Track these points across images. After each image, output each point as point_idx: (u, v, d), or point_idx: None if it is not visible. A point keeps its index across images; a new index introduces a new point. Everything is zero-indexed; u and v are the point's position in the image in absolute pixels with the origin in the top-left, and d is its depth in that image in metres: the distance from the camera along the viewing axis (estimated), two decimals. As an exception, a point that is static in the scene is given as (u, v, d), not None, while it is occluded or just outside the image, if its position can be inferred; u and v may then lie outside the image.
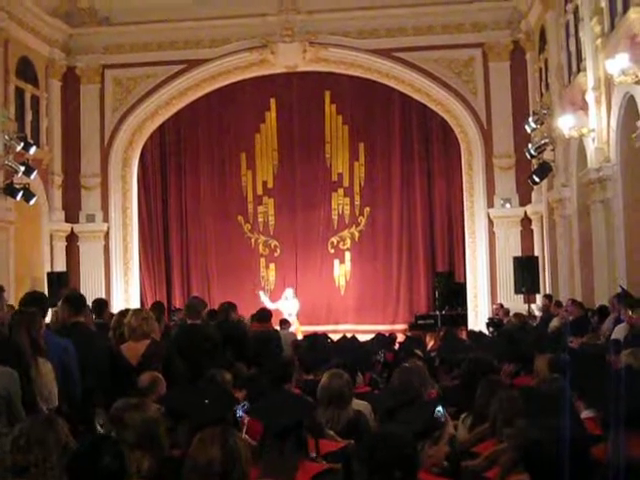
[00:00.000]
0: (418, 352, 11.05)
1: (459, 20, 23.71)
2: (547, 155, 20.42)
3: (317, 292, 26.00)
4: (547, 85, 21.31)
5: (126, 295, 24.62)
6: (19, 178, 21.02)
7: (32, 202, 21.50)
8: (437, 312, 23.90)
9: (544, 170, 20.43)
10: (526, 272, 21.41)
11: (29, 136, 21.99)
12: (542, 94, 21.94)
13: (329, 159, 26.70)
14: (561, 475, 3.85)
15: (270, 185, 26.87)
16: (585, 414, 5.88)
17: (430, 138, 26.21)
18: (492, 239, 23.66)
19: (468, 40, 23.75)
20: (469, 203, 24.18)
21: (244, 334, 11.32)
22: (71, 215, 24.50)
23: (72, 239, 24.55)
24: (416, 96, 24.70)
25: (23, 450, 4.30)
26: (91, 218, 24.59)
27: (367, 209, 26.57)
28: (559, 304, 17.32)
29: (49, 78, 24.03)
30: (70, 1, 24.32)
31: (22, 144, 20.88)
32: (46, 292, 19.49)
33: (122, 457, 4.18)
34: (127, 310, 8.93)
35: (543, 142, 20.38)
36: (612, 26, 15.80)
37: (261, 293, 24.41)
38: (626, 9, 14.59)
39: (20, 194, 20.85)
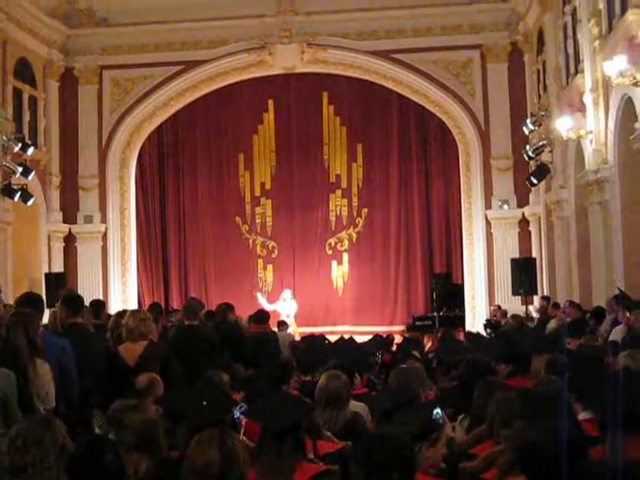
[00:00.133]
0: (416, 353, 11.05)
1: (457, 22, 23.72)
2: (545, 157, 20.42)
3: (315, 293, 26.00)
4: (545, 87, 21.32)
5: (124, 296, 24.62)
6: (17, 179, 20.99)
7: (30, 203, 21.48)
8: (435, 313, 23.96)
9: (542, 172, 20.43)
10: (524, 274, 21.42)
11: (27, 137, 21.95)
12: (540, 96, 21.95)
13: (327, 160, 26.71)
14: (559, 477, 3.85)
15: (268, 186, 26.88)
16: (583, 416, 5.88)
17: (428, 139, 26.22)
18: (490, 240, 23.67)
19: (466, 42, 23.77)
20: (467, 204, 24.18)
21: (242, 335, 11.32)
22: (69, 216, 24.49)
23: (70, 240, 24.53)
24: (414, 97, 24.71)
25: (20, 451, 4.29)
26: (89, 219, 24.58)
27: (365, 210, 26.58)
28: (557, 306, 17.32)
29: (47, 79, 24.02)
30: (68, 2, 24.30)
31: (20, 145, 20.84)
32: (44, 293, 19.55)
33: (121, 457, 4.19)
34: (125, 311, 8.93)
35: (541, 144, 20.38)
36: (610, 28, 15.80)
37: (259, 294, 24.41)
38: (624, 11, 14.59)
39: (18, 195, 20.82)
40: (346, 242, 26.69)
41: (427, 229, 26.37)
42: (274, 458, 4.73)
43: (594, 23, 16.54)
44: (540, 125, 20.64)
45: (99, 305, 11.40)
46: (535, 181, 20.88)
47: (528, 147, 20.96)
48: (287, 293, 24.15)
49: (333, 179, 26.66)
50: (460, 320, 23.54)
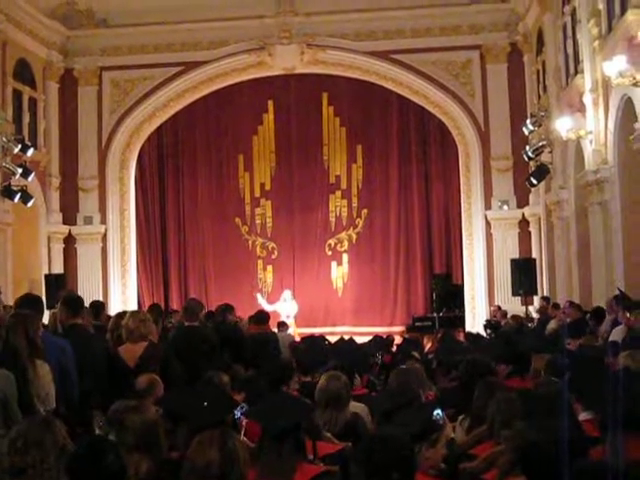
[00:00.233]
0: (415, 354, 11.05)
1: (457, 22, 23.72)
2: (545, 157, 20.42)
3: (314, 294, 25.99)
4: (545, 87, 21.31)
5: (123, 297, 24.62)
6: (17, 180, 20.99)
7: (30, 204, 21.48)
8: (434, 314, 23.94)
9: (542, 172, 20.43)
10: (524, 274, 21.41)
11: (27, 138, 21.95)
12: (540, 96, 21.95)
13: (327, 161, 26.71)
14: (559, 477, 3.85)
15: (268, 187, 26.88)
16: (583, 416, 5.89)
17: (428, 140, 26.22)
18: (490, 241, 23.67)
19: (466, 42, 23.77)
20: (466, 205, 24.18)
21: (242, 336, 11.33)
22: (69, 217, 24.48)
23: (70, 241, 24.53)
24: (414, 98, 24.71)
25: (20, 452, 4.29)
26: (89, 220, 24.58)
27: (365, 211, 26.58)
28: (557, 306, 17.31)
29: (47, 80, 24.02)
30: (68, 3, 24.27)
31: (20, 146, 20.83)
32: (44, 294, 19.55)
33: (122, 458, 4.19)
34: (125, 312, 8.93)
35: (541, 144, 20.37)
36: (610, 28, 15.80)
37: (258, 295, 24.42)
38: (624, 11, 14.59)
39: (18, 196, 20.82)
40: (346, 243, 26.69)
41: (427, 230, 26.36)
42: (274, 459, 4.73)
43: (594, 23, 16.54)
44: (540, 125, 20.63)
45: (99, 306, 11.41)
46: (535, 182, 20.87)
47: (528, 148, 20.96)
48: (287, 294, 24.17)
49: (333, 180, 26.66)
50: (460, 321, 23.53)
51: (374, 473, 4.15)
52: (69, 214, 24.51)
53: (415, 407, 5.48)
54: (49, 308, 12.31)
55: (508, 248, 23.33)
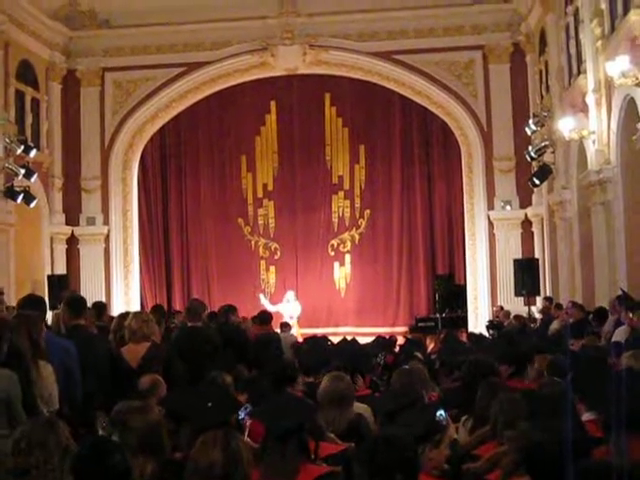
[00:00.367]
0: (418, 354, 11.04)
1: (459, 23, 23.73)
2: (547, 157, 20.42)
3: (317, 294, 25.99)
4: (547, 87, 21.32)
5: (126, 298, 24.63)
6: (19, 181, 21.03)
7: (32, 205, 21.51)
8: (437, 314, 23.92)
9: (544, 172, 20.43)
10: (526, 274, 21.37)
11: (29, 139, 22.00)
12: (542, 96, 21.95)
13: (329, 161, 26.71)
14: (563, 477, 3.85)
15: (270, 188, 26.88)
16: (586, 416, 5.88)
17: (430, 141, 26.22)
18: (492, 241, 23.67)
19: (468, 42, 23.78)
20: (469, 205, 24.18)
21: (244, 337, 11.33)
22: (71, 218, 24.51)
23: (72, 242, 24.55)
24: (416, 99, 24.72)
25: (24, 453, 4.29)
26: (91, 221, 24.61)
27: (367, 211, 26.58)
28: (559, 306, 17.31)
29: (49, 81, 24.05)
30: (70, 4, 24.30)
31: (22, 147, 20.88)
32: (46, 295, 19.54)
33: (127, 459, 4.19)
34: (127, 313, 8.94)
35: (543, 144, 20.38)
36: (612, 28, 15.80)
37: (261, 296, 24.43)
38: (626, 11, 14.59)
39: (20, 197, 20.85)
40: (348, 243, 26.69)
41: (429, 230, 26.36)
42: (278, 459, 4.72)
43: (596, 23, 16.54)
44: (542, 126, 20.64)
45: (101, 307, 11.40)
46: (537, 182, 20.87)
47: (530, 148, 20.96)
48: (290, 294, 24.18)
49: (335, 180, 26.66)
50: (463, 321, 23.52)
51: (377, 474, 4.15)
52: (72, 215, 24.53)
53: (418, 408, 5.47)
54: (52, 309, 12.32)
55: (511, 248, 23.33)
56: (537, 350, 8.75)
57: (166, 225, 27.16)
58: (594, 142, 16.87)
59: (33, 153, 21.52)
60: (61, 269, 23.86)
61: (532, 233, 23.33)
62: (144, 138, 25.58)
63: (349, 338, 13.41)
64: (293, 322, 21.85)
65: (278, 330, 15.43)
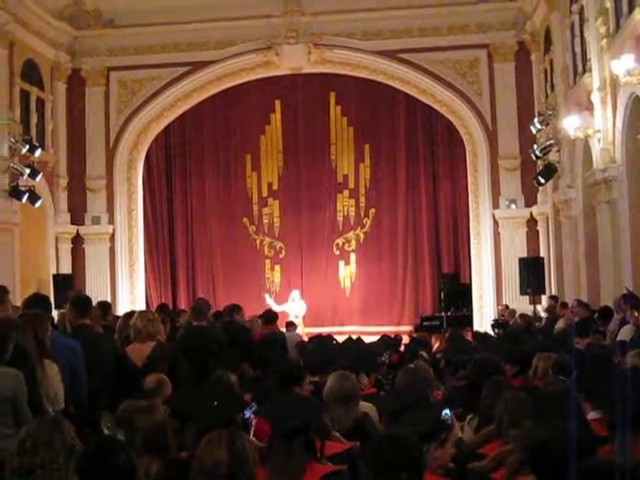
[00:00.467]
0: (423, 353, 11.05)
1: (464, 21, 23.69)
2: (552, 156, 20.40)
3: (322, 294, 25.99)
4: (552, 86, 21.29)
5: (131, 297, 24.65)
6: (24, 180, 21.05)
7: (37, 204, 21.54)
8: (442, 313, 23.95)
9: (549, 171, 20.41)
10: (531, 273, 21.37)
11: (34, 139, 22.01)
12: (547, 95, 21.93)
13: (334, 161, 26.71)
14: (568, 476, 3.85)
15: (275, 187, 26.89)
16: (592, 415, 5.88)
17: (435, 139, 26.22)
18: (497, 240, 23.64)
19: (473, 41, 23.75)
20: (474, 204, 24.15)
21: (249, 336, 11.33)
22: (76, 217, 24.52)
23: (78, 241, 24.57)
24: (421, 97, 24.69)
25: (29, 452, 4.29)
26: (96, 220, 24.62)
27: (372, 210, 26.57)
28: (565, 305, 17.28)
29: (54, 80, 24.06)
30: (75, 4, 24.32)
31: (27, 146, 20.90)
32: (52, 294, 19.58)
33: (132, 458, 4.19)
34: (133, 312, 8.95)
35: (548, 143, 20.36)
36: (617, 27, 15.80)
37: (267, 296, 24.42)
38: (631, 9, 14.60)
39: (25, 196, 20.88)
40: (353, 242, 26.69)
41: (434, 229, 26.35)
42: (284, 458, 4.72)
43: (601, 22, 16.53)
44: (547, 124, 20.61)
45: (106, 306, 11.42)
46: (543, 180, 20.85)
47: (536, 146, 20.94)
48: (296, 294, 24.20)
49: (340, 179, 26.66)
50: (468, 320, 23.52)
51: (383, 473, 4.15)
52: (77, 214, 24.55)
53: (424, 407, 5.47)
54: (57, 308, 12.33)
55: (516, 247, 23.30)
56: (542, 349, 8.75)
57: (171, 224, 27.18)
58: (599, 141, 16.85)
59: (38, 153, 21.54)
60: (66, 268, 23.88)
61: (537, 232, 23.30)
62: (149, 137, 25.59)
63: (354, 337, 13.43)
64: (298, 321, 21.83)
65: (283, 329, 15.43)
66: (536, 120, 20.96)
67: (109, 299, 20.30)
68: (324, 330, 20.71)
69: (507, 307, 21.91)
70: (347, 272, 26.67)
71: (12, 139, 20.66)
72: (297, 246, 26.76)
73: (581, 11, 18.36)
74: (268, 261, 26.89)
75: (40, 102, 23.39)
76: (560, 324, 15.81)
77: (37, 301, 7.99)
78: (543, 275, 21.51)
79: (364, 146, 26.52)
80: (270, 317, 13.34)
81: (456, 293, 24.31)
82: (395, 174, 26.41)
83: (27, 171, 20.87)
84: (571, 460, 3.85)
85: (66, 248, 24.27)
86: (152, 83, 24.83)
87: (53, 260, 23.71)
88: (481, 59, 23.88)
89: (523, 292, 21.79)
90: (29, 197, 21.00)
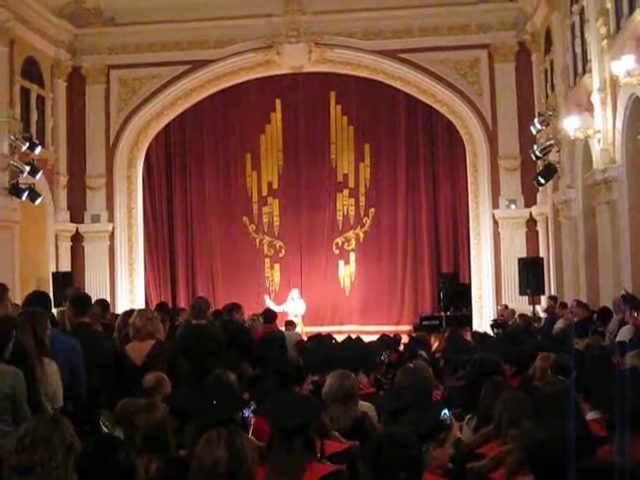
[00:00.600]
0: (423, 353, 11.05)
1: (465, 21, 23.70)
2: (552, 156, 20.40)
3: (322, 293, 25.99)
4: (553, 86, 21.29)
5: (131, 295, 24.65)
6: (24, 178, 21.05)
7: (37, 202, 21.54)
8: (442, 313, 23.94)
9: (549, 171, 20.42)
10: (531, 273, 21.37)
11: (34, 136, 21.99)
12: (548, 95, 21.93)
13: (334, 160, 26.71)
14: (567, 476, 3.85)
15: (275, 186, 26.88)
16: (590, 415, 5.88)
17: (435, 139, 26.21)
18: (497, 240, 23.64)
19: (474, 41, 23.75)
20: (474, 204, 24.15)
21: (249, 334, 11.34)
22: (76, 215, 24.52)
23: (77, 239, 24.56)
24: (422, 97, 24.69)
25: (28, 450, 4.29)
26: (96, 218, 24.60)
27: (372, 210, 26.57)
28: (564, 305, 17.29)
29: (55, 78, 24.05)
30: (76, 2, 24.29)
31: (27, 144, 20.90)
32: (51, 292, 19.55)
33: (132, 456, 4.19)
34: (132, 310, 8.95)
35: (548, 143, 20.37)
36: (618, 27, 15.80)
37: (267, 297, 24.40)
38: (632, 10, 14.60)
39: (25, 194, 20.88)
40: (353, 242, 26.69)
41: (434, 229, 26.35)
42: (283, 458, 4.73)
43: (602, 22, 16.53)
44: (548, 125, 20.62)
45: (104, 304, 11.42)
46: (543, 181, 20.86)
47: (536, 147, 20.94)
48: (295, 293, 24.22)
49: (340, 179, 26.66)
50: (467, 320, 23.53)
51: (382, 472, 4.16)
52: (76, 212, 24.54)
53: (423, 407, 5.47)
54: (56, 306, 12.32)
55: (515, 247, 23.30)
56: (541, 349, 8.76)
57: (171, 223, 27.17)
58: (599, 141, 16.85)
59: (38, 150, 21.53)
60: (66, 266, 23.87)
61: (537, 232, 23.31)
62: (149, 136, 25.58)
63: (354, 336, 13.43)
64: (298, 320, 21.86)
65: (283, 328, 15.44)
66: (536, 120, 20.96)
67: (108, 297, 20.30)
68: (323, 329, 20.77)
69: (506, 307, 21.92)
70: (347, 271, 26.67)
71: (12, 136, 20.66)
72: (297, 245, 26.76)
73: (582, 12, 18.37)
74: (268, 260, 26.89)
75: (40, 100, 23.38)
76: (559, 324, 15.82)
77: (37, 298, 8.00)
78: (542, 275, 21.51)
79: (364, 145, 26.52)
80: (269, 316, 13.38)
81: (455, 293, 24.30)
82: (395, 174, 26.41)
83: (27, 169, 20.87)
84: (570, 460, 3.86)
85: (66, 246, 24.27)
86: (152, 81, 24.83)
87: (53, 258, 23.70)
88: (481, 59, 23.88)
89: (522, 292, 21.79)
90: (29, 195, 21.00)
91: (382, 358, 11.29)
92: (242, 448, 4.17)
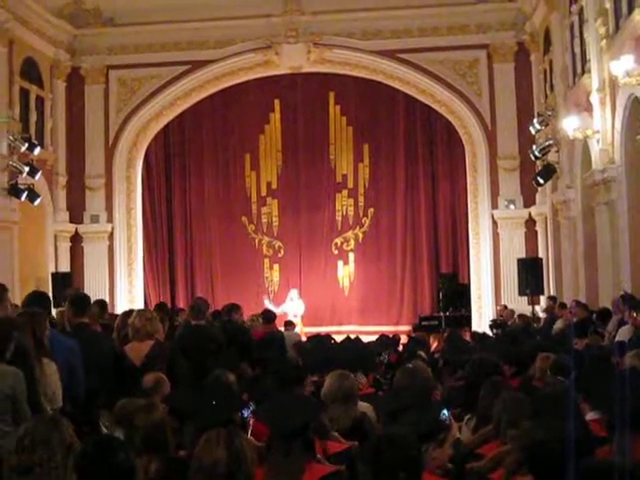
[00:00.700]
0: (422, 353, 11.05)
1: (464, 21, 23.70)
2: (551, 156, 20.41)
3: (321, 293, 25.99)
4: (552, 86, 21.30)
5: (130, 296, 24.64)
6: (23, 179, 21.04)
7: (36, 203, 21.53)
8: (441, 313, 23.92)
9: (548, 172, 20.42)
10: (530, 273, 21.37)
11: (33, 137, 21.97)
12: (547, 95, 21.93)
13: (333, 160, 26.70)
14: (566, 477, 3.85)
15: (274, 186, 26.88)
16: (590, 416, 5.88)
17: (434, 139, 26.20)
18: (496, 240, 23.65)
19: (473, 41, 23.75)
20: (473, 204, 24.15)
21: (248, 335, 11.34)
22: (75, 216, 24.51)
23: (76, 240, 24.56)
24: (421, 97, 24.69)
25: (28, 450, 4.29)
26: (95, 219, 24.60)
27: (371, 210, 26.57)
28: (563, 306, 17.29)
29: (54, 79, 24.05)
30: (75, 2, 24.29)
31: (26, 145, 20.89)
32: (50, 292, 19.52)
33: (131, 457, 4.19)
34: (131, 311, 8.95)
35: (547, 143, 20.37)
36: (617, 27, 15.81)
37: (266, 300, 24.36)
38: (631, 10, 14.61)
39: (24, 194, 20.88)
40: (352, 242, 26.68)
41: (433, 229, 26.34)
42: (283, 459, 4.72)
43: (601, 23, 16.53)
44: (547, 125, 20.62)
45: (103, 305, 11.42)
46: (542, 181, 20.86)
47: (535, 147, 20.94)
48: (294, 293, 24.21)
49: (339, 179, 26.66)
50: (466, 320, 23.51)
51: (381, 472, 4.16)
52: (76, 212, 24.54)
53: (423, 407, 5.47)
54: (56, 307, 12.32)
55: (515, 247, 23.31)
56: (541, 349, 8.76)
57: (170, 223, 27.17)
58: (598, 141, 16.86)
59: (37, 151, 21.52)
60: (65, 267, 23.87)
61: (536, 232, 23.31)
62: (148, 136, 25.58)
63: (353, 337, 13.42)
64: (297, 320, 21.84)
65: (282, 328, 15.44)
66: (535, 121, 20.96)
67: (107, 298, 20.33)
68: (322, 330, 20.75)
69: (506, 307, 21.92)
70: (346, 272, 26.67)
71: (11, 137, 20.66)
72: (296, 245, 26.75)
73: (581, 12, 18.37)
74: (267, 260, 26.88)
75: (39, 100, 23.38)
76: (559, 325, 15.83)
77: (37, 299, 7.99)
78: (542, 276, 21.51)
79: (363, 146, 26.51)
80: (269, 316, 13.38)
81: (455, 293, 24.29)
82: (394, 174, 26.40)
83: (26, 169, 20.87)
84: (569, 460, 3.86)
85: (65, 246, 24.27)
86: (151, 82, 24.83)
87: (52, 258, 23.70)
88: (481, 59, 23.88)
89: (522, 292, 21.79)
90: (28, 195, 21.00)
91: (381, 358, 11.29)
92: (241, 448, 4.18)
